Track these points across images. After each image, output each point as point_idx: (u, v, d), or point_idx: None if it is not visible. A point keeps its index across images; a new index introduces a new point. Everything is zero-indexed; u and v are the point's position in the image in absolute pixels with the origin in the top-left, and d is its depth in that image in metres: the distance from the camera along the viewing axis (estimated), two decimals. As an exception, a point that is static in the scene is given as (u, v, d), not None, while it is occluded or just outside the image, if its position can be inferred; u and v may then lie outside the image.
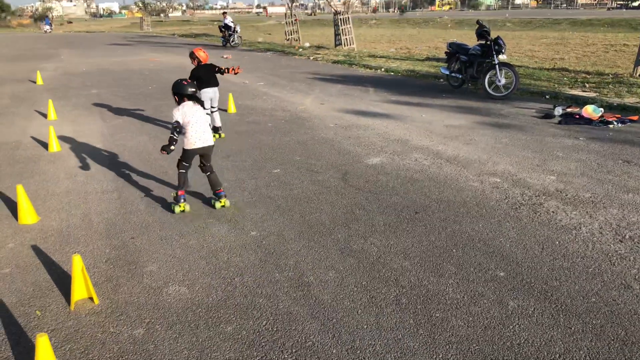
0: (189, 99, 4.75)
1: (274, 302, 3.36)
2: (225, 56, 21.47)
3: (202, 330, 3.07)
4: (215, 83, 7.37)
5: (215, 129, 7.49)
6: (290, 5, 29.96)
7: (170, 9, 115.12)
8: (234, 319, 3.18)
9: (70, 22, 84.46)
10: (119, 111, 10.02)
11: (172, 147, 4.63)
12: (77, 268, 3.29)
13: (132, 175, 6.04)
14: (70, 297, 3.34)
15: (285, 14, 30.65)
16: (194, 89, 4.78)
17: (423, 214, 4.75)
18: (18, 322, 3.18)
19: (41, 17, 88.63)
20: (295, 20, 28.32)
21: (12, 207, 5.04)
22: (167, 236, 4.37)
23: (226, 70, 7.03)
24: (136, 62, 20.20)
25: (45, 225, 4.64)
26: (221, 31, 27.58)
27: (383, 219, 4.63)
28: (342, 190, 5.42)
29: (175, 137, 4.61)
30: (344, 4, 31.19)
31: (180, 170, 4.85)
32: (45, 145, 7.33)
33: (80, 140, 7.74)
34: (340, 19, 22.78)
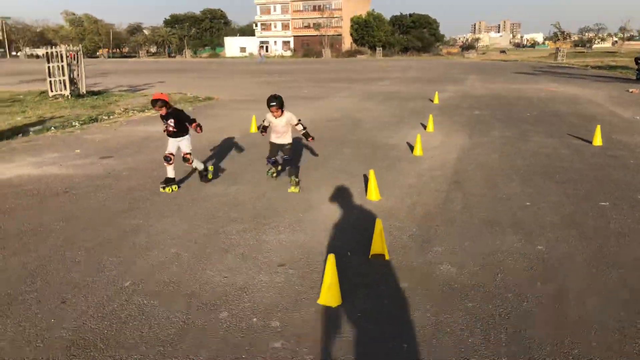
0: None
1: None
2: (630, 90, 19.65)
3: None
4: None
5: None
6: None
7: (598, 40, 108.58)
8: None
9: (504, 52, 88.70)
10: (487, 131, 10.98)
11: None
12: (378, 229, 4.43)
13: (462, 183, 6.90)
14: (370, 251, 4.52)
15: None
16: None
17: None
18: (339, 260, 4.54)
19: (468, 47, 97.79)
20: None
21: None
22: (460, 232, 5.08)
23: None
24: (531, 90, 20.73)
25: (382, 203, 6.04)
26: (637, 63, 25.05)
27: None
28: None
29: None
30: None
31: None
32: (412, 149, 8.96)
33: (441, 150, 9.08)
34: None
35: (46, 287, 3.93)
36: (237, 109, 15.20)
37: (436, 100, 16.58)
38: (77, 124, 12.24)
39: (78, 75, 18.10)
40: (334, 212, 5.71)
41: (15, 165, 8.04)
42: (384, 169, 7.68)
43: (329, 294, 3.65)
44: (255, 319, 3.46)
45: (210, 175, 7.05)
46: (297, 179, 6.61)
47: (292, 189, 6.49)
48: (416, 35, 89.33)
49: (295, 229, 5.21)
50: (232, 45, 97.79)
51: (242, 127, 11.61)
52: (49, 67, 17.39)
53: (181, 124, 6.46)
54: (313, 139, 6.77)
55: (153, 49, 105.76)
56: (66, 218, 5.48)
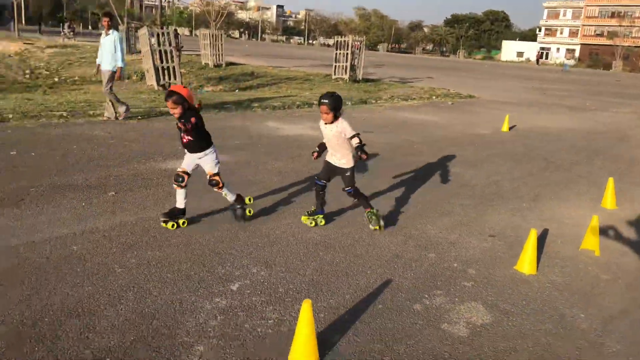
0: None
1: None
2: None
3: None
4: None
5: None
6: None
7: None
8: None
9: None
10: None
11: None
12: (592, 224, 4.64)
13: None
14: (581, 242, 4.77)
15: None
16: None
17: None
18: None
19: None
20: None
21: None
22: None
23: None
24: None
25: (615, 212, 5.98)
26: None
27: None
28: None
29: None
30: None
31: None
32: None
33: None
34: None
35: (269, 219, 5.32)
36: (494, 108, 15.45)
37: None
38: (349, 103, 14.27)
39: (357, 63, 20.62)
40: (557, 208, 5.94)
41: (301, 127, 10.14)
42: (634, 185, 7.33)
43: (525, 263, 4.15)
44: (455, 264, 4.20)
45: (249, 211, 4.79)
46: (374, 212, 4.79)
47: (375, 227, 4.77)
48: None
49: (515, 213, 5.66)
50: (509, 49, 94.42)
51: (494, 124, 11.97)
52: (336, 53, 20.28)
53: (199, 132, 4.37)
54: (367, 157, 4.39)
55: (429, 47, 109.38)
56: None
